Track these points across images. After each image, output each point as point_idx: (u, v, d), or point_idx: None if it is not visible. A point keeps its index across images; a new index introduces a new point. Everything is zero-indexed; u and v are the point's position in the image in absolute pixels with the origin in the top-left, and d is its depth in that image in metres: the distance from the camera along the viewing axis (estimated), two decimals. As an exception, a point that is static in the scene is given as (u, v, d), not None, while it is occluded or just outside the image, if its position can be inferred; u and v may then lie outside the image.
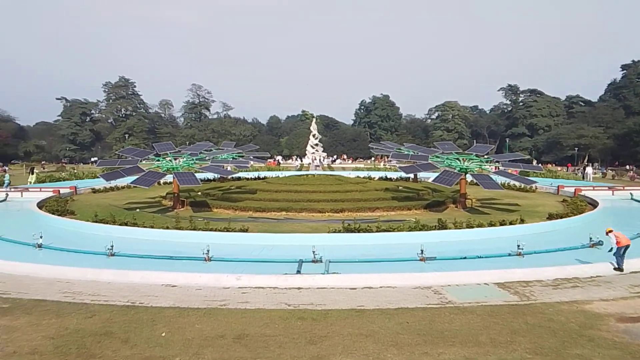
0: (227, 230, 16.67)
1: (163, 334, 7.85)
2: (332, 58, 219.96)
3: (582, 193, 29.23)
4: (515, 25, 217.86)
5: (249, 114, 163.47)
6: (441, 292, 10.44)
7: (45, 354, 7.07)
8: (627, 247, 12.27)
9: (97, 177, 33.04)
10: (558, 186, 32.74)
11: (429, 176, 34.33)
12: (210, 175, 34.96)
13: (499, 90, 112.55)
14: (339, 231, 16.75)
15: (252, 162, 43.47)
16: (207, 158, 29.82)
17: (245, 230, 16.90)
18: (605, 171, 58.25)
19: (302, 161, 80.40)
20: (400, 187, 28.69)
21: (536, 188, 32.83)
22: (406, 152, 36.11)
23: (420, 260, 13.16)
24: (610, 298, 10.01)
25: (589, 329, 8.20)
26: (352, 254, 13.77)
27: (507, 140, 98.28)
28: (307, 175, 32.27)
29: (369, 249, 14.62)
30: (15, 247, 15.00)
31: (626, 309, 9.30)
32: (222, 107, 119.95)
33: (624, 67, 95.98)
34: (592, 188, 31.55)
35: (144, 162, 27.52)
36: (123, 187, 33.90)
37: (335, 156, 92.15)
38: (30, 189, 31.22)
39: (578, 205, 23.87)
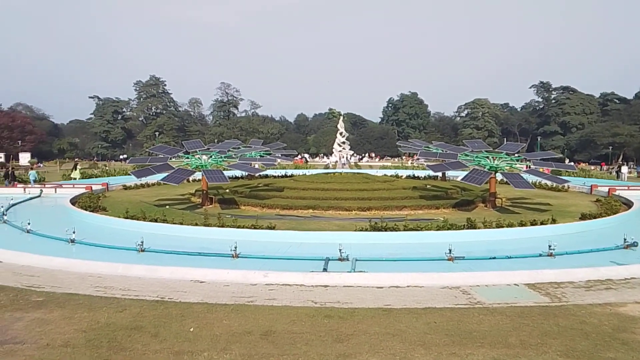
0: (255, 228, 16.76)
1: (191, 329, 7.94)
2: (360, 56, 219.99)
3: (617, 193, 28.39)
4: (548, 21, 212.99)
5: (277, 112, 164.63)
6: (470, 292, 10.27)
7: (78, 347, 7.22)
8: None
9: (129, 174, 33.72)
10: (591, 185, 31.88)
11: (457, 175, 34.03)
12: (238, 173, 35.32)
13: (530, 88, 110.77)
14: (366, 229, 16.66)
15: (279, 160, 43.62)
16: (235, 156, 30.07)
17: (273, 228, 17.02)
18: (641, 170, 56.59)
19: (329, 159, 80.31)
20: (428, 186, 28.35)
21: (569, 187, 32.07)
22: (434, 151, 35.71)
23: (449, 259, 12.96)
24: (645, 301, 9.66)
25: (623, 332, 7.94)
26: (379, 253, 13.68)
27: (539, 139, 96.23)
28: (334, 173, 32.22)
29: (396, 248, 14.48)
30: (49, 242, 15.39)
31: (663, 313, 8.98)
32: (250, 106, 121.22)
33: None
34: (627, 188, 30.64)
35: (173, 159, 27.92)
36: (153, 184, 34.61)
37: (363, 154, 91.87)
38: (63, 185, 32.12)
39: (612, 205, 23.20)
